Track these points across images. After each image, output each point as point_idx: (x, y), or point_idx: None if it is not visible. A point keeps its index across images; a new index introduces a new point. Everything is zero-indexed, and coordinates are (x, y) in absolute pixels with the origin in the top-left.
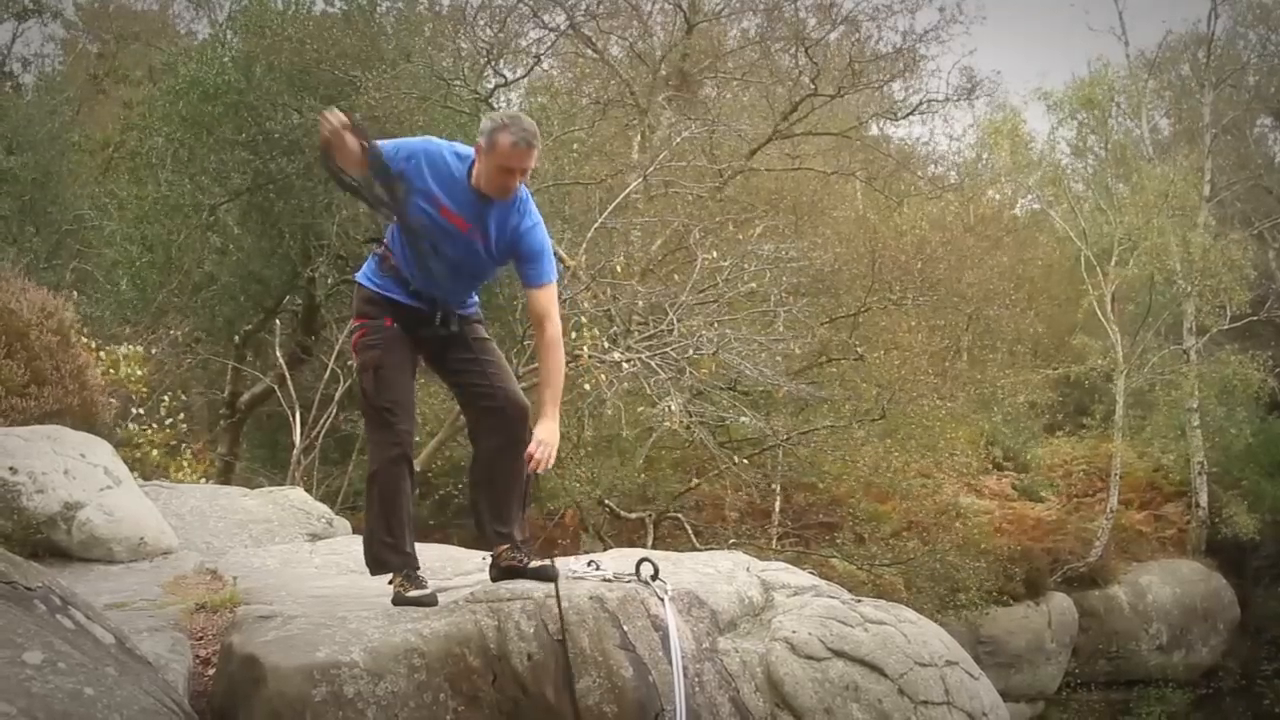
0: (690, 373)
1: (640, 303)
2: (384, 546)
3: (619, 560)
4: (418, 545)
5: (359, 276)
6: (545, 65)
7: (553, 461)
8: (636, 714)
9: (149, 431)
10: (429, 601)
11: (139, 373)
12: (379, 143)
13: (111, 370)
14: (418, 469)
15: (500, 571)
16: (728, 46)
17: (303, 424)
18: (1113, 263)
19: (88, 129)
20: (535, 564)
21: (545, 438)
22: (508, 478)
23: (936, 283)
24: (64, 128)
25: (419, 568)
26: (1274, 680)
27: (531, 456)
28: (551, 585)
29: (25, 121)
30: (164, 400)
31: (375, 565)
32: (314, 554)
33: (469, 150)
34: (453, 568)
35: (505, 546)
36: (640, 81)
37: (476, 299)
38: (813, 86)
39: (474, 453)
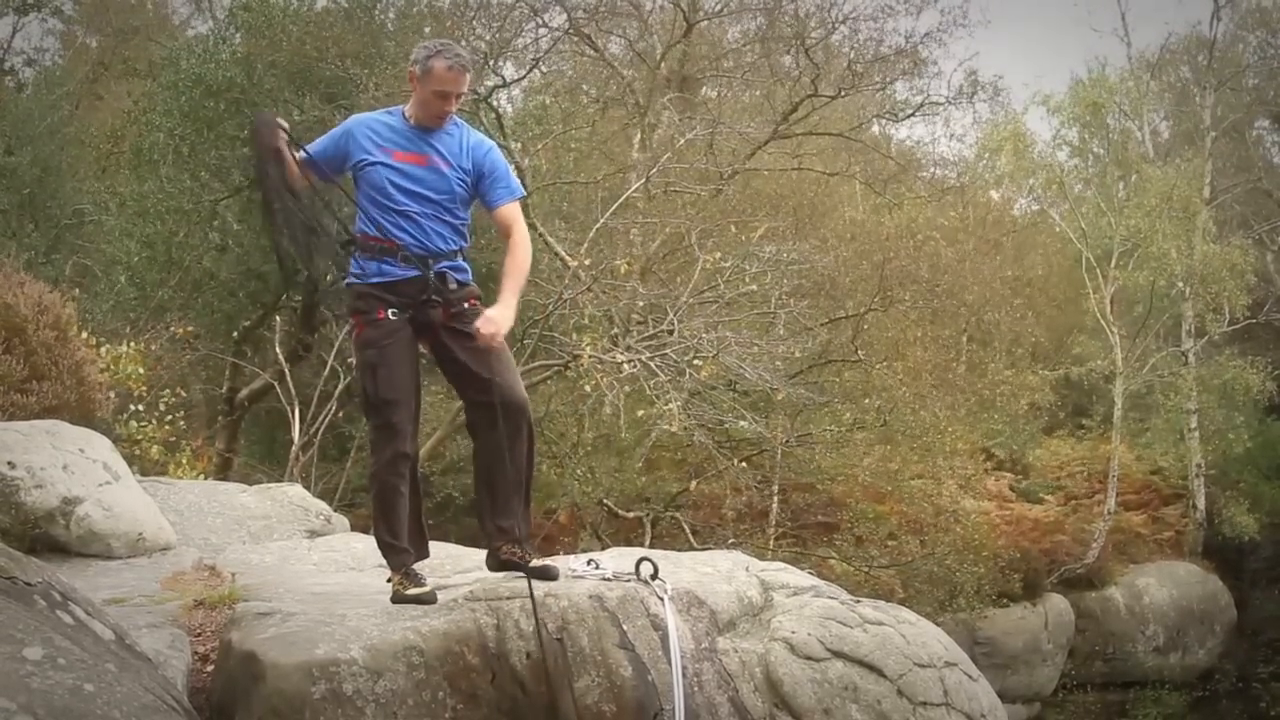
0: (690, 374)
1: (640, 303)
2: (384, 544)
3: (618, 559)
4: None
5: (346, 281)
6: (545, 66)
7: (498, 340)
8: (635, 713)
9: (148, 428)
10: (428, 599)
11: (139, 371)
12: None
13: (111, 367)
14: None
15: (498, 564)
16: (727, 46)
17: (301, 420)
18: (1113, 265)
19: (87, 124)
20: (536, 563)
21: (496, 316)
22: (507, 472)
23: (942, 291)
24: (63, 122)
25: (419, 559)
26: (1270, 682)
27: (488, 336)
28: (551, 584)
29: (25, 116)
30: (163, 395)
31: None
32: (312, 551)
33: (397, 107)
34: (452, 565)
35: (505, 542)
36: (640, 81)
37: (469, 268)
38: (813, 87)
39: (474, 447)
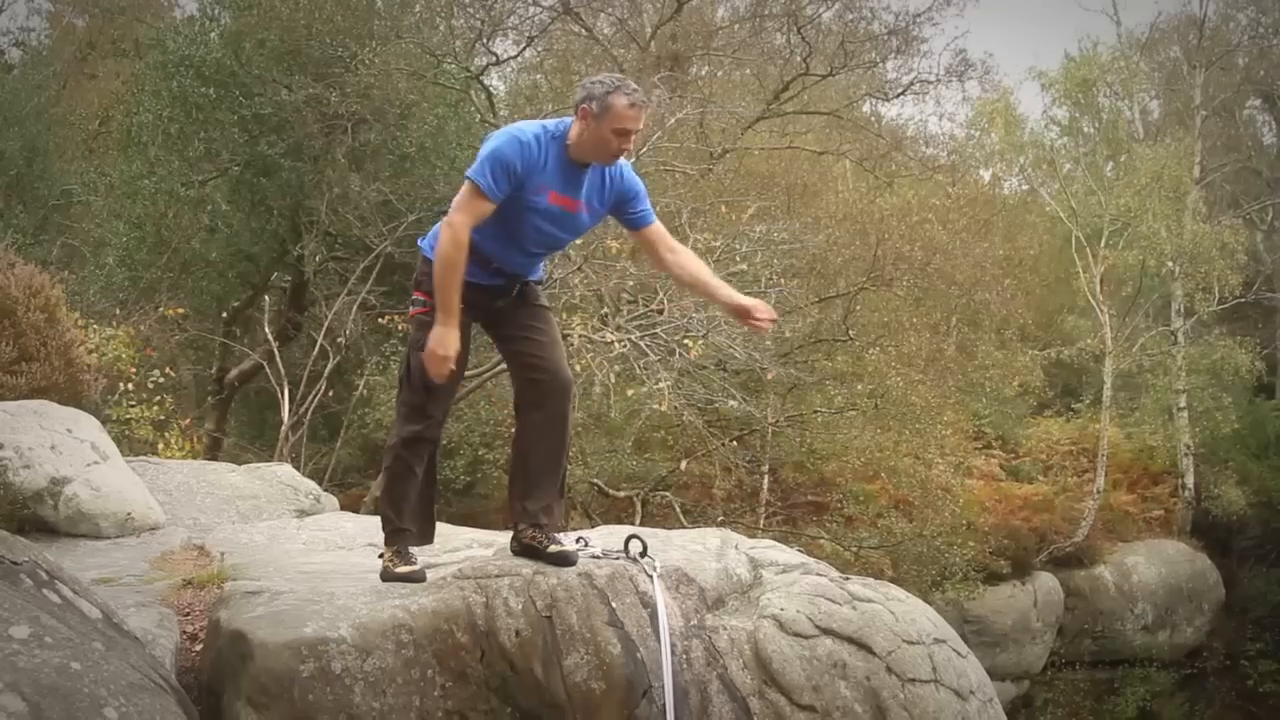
0: (680, 354)
1: (630, 282)
2: (385, 519)
3: (607, 537)
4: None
5: (430, 251)
6: (538, 46)
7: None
8: (624, 691)
9: (136, 409)
10: (417, 578)
11: (128, 354)
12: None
13: (100, 349)
14: None
15: (521, 547)
16: (718, 24)
17: (291, 401)
18: (1103, 244)
19: (75, 104)
20: (554, 549)
21: (759, 304)
22: (545, 452)
23: (933, 271)
24: (50, 103)
25: (422, 543)
26: (1258, 660)
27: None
28: (539, 562)
29: (11, 97)
30: (152, 375)
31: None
32: (301, 530)
33: (555, 124)
34: (441, 544)
35: (528, 524)
36: (630, 59)
37: (544, 265)
38: (804, 66)
39: (517, 424)
